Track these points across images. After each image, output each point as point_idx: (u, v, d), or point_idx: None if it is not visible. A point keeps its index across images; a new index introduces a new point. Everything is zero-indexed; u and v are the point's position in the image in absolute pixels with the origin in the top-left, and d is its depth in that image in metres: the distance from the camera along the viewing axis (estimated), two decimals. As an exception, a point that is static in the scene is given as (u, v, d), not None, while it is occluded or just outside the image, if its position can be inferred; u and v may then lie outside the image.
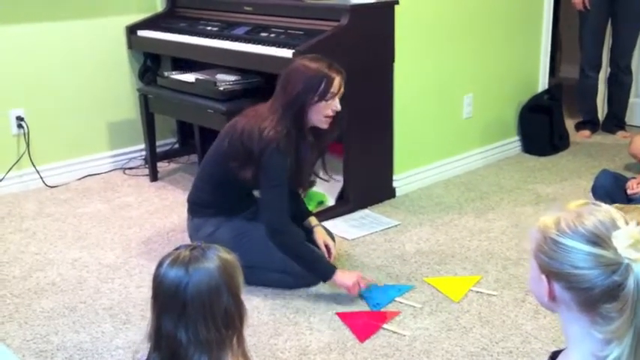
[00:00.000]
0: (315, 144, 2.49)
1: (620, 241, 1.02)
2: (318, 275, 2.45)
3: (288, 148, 2.37)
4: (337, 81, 2.38)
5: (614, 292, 1.02)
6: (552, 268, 1.07)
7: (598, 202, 1.10)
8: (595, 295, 1.03)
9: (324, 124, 2.44)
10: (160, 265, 1.37)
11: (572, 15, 4.36)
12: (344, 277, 2.40)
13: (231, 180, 2.48)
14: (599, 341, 1.05)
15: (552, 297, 1.10)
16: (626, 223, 1.04)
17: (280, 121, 2.36)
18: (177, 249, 1.40)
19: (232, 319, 1.34)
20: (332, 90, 2.37)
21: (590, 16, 4.06)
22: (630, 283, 1.00)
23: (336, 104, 2.40)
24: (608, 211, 1.06)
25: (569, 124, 4.25)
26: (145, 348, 1.41)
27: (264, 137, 2.34)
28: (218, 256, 1.36)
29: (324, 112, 2.39)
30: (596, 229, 1.04)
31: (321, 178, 2.70)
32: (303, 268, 2.43)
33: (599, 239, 1.03)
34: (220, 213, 2.55)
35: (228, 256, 1.38)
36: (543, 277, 1.09)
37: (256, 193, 2.72)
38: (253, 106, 2.51)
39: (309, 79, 2.35)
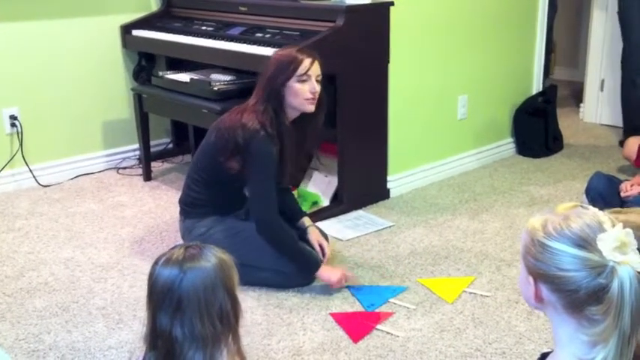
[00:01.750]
0: (298, 131, 2.50)
1: (606, 243, 1.03)
2: (303, 268, 2.49)
3: (274, 135, 2.40)
4: (306, 62, 2.41)
5: (598, 295, 1.02)
6: (539, 270, 1.08)
7: (586, 205, 1.10)
8: (580, 297, 1.04)
9: (307, 106, 2.45)
10: (154, 263, 1.39)
11: (567, 17, 4.37)
12: (328, 273, 2.47)
13: (221, 176, 2.48)
14: (585, 344, 1.06)
15: (539, 299, 1.11)
16: (613, 225, 1.05)
17: (262, 111, 2.40)
18: (172, 248, 1.41)
19: (227, 316, 1.35)
20: (301, 70, 2.40)
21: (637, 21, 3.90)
22: (614, 285, 1.01)
23: (312, 85, 2.42)
24: (595, 214, 1.07)
25: (563, 126, 4.26)
26: (139, 350, 1.41)
27: (248, 127, 2.36)
28: (214, 255, 1.38)
29: (302, 94, 2.42)
30: (582, 232, 1.05)
31: (312, 168, 2.69)
32: (290, 260, 2.47)
33: (584, 242, 1.04)
34: (212, 213, 2.55)
35: (225, 255, 1.40)
36: (530, 279, 1.10)
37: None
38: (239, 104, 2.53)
39: (277, 63, 2.43)
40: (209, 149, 2.51)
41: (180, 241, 2.68)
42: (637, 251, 1.03)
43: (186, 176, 2.65)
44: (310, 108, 2.46)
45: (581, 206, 1.10)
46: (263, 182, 2.41)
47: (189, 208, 2.59)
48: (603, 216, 1.07)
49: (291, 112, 2.47)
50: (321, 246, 2.58)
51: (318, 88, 2.44)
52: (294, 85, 2.40)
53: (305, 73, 2.41)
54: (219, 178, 2.50)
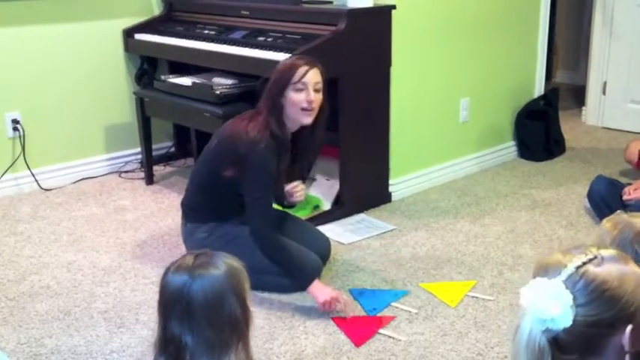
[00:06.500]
0: (297, 145, 2.49)
1: None
2: (295, 282, 2.41)
3: (275, 148, 2.37)
4: (302, 69, 2.36)
5: None
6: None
7: None
8: None
9: (303, 118, 2.39)
10: (166, 271, 1.41)
11: (568, 20, 4.37)
12: (319, 290, 2.34)
13: (219, 181, 2.47)
14: None
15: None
16: None
17: (263, 121, 2.37)
18: (184, 256, 1.43)
19: (237, 323, 1.36)
20: (296, 77, 2.35)
21: None
22: None
23: (309, 94, 2.35)
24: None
25: (565, 129, 4.25)
26: (148, 356, 1.42)
27: (250, 137, 2.34)
28: (225, 262, 1.39)
29: (297, 103, 2.36)
30: None
31: (310, 179, 2.68)
32: (284, 272, 2.40)
33: None
34: (212, 218, 2.54)
35: (236, 263, 1.41)
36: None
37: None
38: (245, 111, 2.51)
39: (277, 72, 2.40)
40: (210, 155, 2.51)
41: (182, 244, 2.68)
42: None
43: (188, 180, 2.65)
44: (306, 120, 2.39)
45: None
46: (260, 197, 2.38)
47: (190, 211, 2.59)
48: None
49: (290, 123, 2.42)
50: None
51: (314, 97, 2.37)
52: (290, 94, 2.36)
53: (299, 81, 2.34)
54: (218, 183, 2.48)
